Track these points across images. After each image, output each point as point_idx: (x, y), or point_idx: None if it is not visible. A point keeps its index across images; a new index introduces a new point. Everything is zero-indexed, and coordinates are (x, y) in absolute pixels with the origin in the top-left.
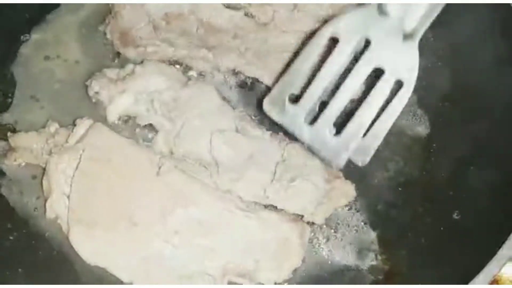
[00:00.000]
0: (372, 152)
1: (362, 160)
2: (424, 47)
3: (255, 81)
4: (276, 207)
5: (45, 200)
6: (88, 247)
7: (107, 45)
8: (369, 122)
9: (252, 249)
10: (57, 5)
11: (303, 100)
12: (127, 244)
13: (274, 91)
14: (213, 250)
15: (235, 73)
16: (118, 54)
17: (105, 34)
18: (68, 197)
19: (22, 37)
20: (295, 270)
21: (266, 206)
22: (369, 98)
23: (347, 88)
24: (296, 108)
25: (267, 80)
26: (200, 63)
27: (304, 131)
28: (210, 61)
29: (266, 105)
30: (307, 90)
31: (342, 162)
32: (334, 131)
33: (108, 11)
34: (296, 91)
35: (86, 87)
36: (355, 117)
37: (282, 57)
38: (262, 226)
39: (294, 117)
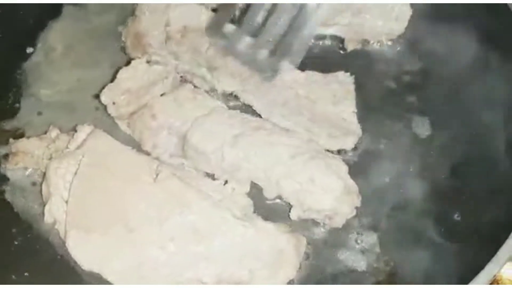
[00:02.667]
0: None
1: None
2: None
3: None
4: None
5: (44, 205)
6: (84, 252)
7: (116, 53)
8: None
9: (247, 258)
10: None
11: (241, 21)
12: (122, 249)
13: (215, 16)
14: (207, 258)
15: (232, 96)
16: (128, 63)
17: (121, 36)
18: (67, 202)
19: (29, 42)
20: (290, 281)
21: (263, 216)
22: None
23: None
24: (235, 29)
25: (260, 109)
26: (199, 81)
27: (241, 51)
28: (208, 81)
29: (207, 30)
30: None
31: (273, 76)
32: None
33: (117, 17)
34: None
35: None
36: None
37: (284, 93)
38: (258, 235)
39: (233, 38)
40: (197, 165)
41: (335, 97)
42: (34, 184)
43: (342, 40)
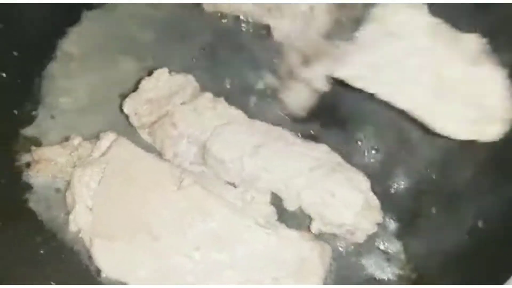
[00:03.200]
0: None
1: None
2: None
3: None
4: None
5: (69, 213)
6: (108, 260)
7: (135, 60)
8: None
9: (271, 266)
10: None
11: None
12: (147, 257)
13: None
14: (232, 266)
15: None
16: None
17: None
18: (91, 210)
19: (48, 50)
20: None
21: (287, 224)
22: None
23: None
24: None
25: None
26: None
27: None
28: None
29: None
30: None
31: None
32: None
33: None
34: None
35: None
36: None
37: None
38: (282, 243)
39: None
40: (217, 173)
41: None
42: (57, 191)
43: None
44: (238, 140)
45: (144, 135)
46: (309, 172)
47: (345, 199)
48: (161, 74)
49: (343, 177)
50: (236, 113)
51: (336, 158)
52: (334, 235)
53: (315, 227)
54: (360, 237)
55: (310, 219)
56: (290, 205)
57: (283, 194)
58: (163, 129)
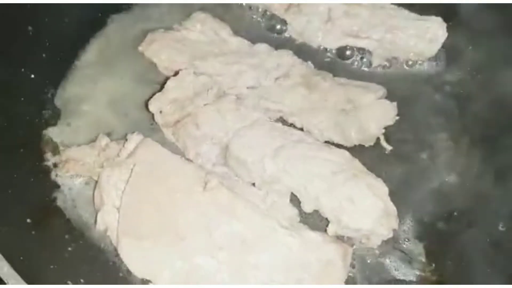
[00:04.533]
0: None
1: None
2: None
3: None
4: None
5: (96, 212)
6: (136, 259)
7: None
8: None
9: (295, 268)
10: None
11: None
12: (173, 257)
13: None
14: (256, 267)
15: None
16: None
17: None
18: (118, 209)
19: (72, 55)
20: None
21: (311, 226)
22: None
23: None
24: None
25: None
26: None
27: None
28: None
29: None
30: None
31: None
32: None
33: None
34: None
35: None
36: None
37: None
38: (305, 246)
39: None
40: (238, 174)
41: None
42: (85, 191)
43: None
44: (260, 142)
45: (168, 134)
46: (329, 176)
47: (364, 205)
48: (186, 74)
49: (363, 183)
50: (258, 115)
51: (357, 164)
52: (349, 238)
53: (331, 229)
54: (375, 242)
55: (327, 221)
56: (308, 207)
57: (302, 196)
58: (186, 129)
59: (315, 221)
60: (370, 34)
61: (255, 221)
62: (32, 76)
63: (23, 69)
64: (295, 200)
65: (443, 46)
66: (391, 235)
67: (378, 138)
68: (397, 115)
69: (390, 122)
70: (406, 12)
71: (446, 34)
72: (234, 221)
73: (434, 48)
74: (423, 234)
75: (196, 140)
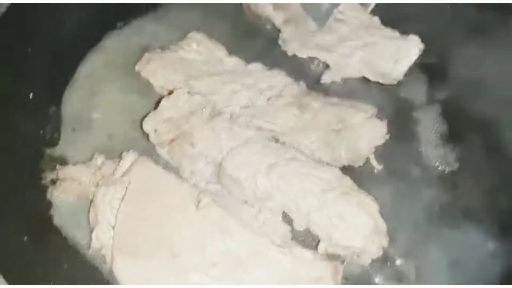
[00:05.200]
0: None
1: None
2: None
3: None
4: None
5: (91, 231)
6: (130, 276)
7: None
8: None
9: (286, 285)
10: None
11: None
12: (167, 274)
13: None
14: (249, 283)
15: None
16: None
17: None
18: (113, 228)
19: (69, 73)
20: None
21: (302, 244)
22: None
23: None
24: None
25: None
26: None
27: None
28: None
29: None
30: None
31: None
32: None
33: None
34: None
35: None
36: None
37: None
38: (297, 263)
39: None
40: (231, 192)
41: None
42: (81, 209)
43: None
44: (253, 159)
45: (162, 152)
46: (320, 194)
47: (355, 223)
48: (181, 94)
49: (354, 201)
50: (252, 134)
51: (348, 181)
52: (340, 256)
53: (322, 247)
54: (366, 260)
55: (318, 238)
56: (299, 225)
57: (294, 213)
58: (181, 147)
59: (307, 238)
60: (338, 50)
61: (248, 238)
62: (31, 94)
63: (22, 88)
64: (287, 218)
65: (427, 65)
66: (381, 253)
67: (368, 157)
68: (387, 133)
69: (381, 141)
70: (387, 30)
71: (417, 54)
72: (228, 239)
73: (401, 69)
74: (414, 251)
75: (191, 159)
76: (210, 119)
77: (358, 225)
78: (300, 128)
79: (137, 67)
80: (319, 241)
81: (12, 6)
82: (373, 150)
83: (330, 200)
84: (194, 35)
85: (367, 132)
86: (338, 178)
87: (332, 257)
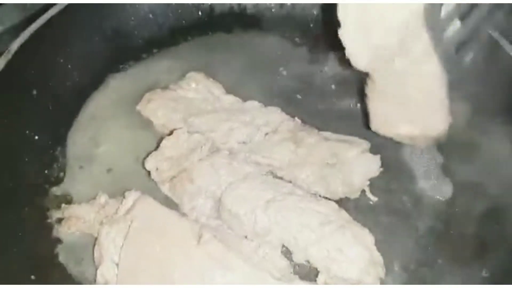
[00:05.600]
0: None
1: None
2: None
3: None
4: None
5: (96, 268)
6: None
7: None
8: None
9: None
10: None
11: None
12: None
13: None
14: None
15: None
16: (171, 132)
17: None
18: (117, 264)
19: (73, 113)
20: None
21: (301, 276)
22: None
23: None
24: None
25: None
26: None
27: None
28: None
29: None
30: None
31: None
32: None
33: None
34: None
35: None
36: None
37: None
38: None
39: None
40: (231, 226)
41: None
42: (86, 247)
43: None
44: (252, 194)
45: (164, 189)
46: (318, 227)
47: (351, 255)
48: (181, 133)
49: (350, 233)
50: (250, 169)
51: (344, 215)
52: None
53: (321, 279)
54: None
55: (317, 271)
56: (298, 258)
57: (292, 247)
58: (181, 184)
59: (306, 271)
60: None
61: (249, 273)
62: (36, 137)
63: (27, 131)
64: (286, 251)
65: None
66: (378, 283)
67: (363, 190)
68: (381, 166)
69: (375, 175)
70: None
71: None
72: (228, 273)
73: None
74: (409, 282)
75: (191, 195)
76: (209, 155)
77: (354, 257)
78: (296, 163)
79: (138, 107)
80: (317, 273)
81: (19, 48)
82: (368, 183)
83: (327, 233)
84: (193, 75)
85: (361, 166)
86: (335, 211)
87: None
